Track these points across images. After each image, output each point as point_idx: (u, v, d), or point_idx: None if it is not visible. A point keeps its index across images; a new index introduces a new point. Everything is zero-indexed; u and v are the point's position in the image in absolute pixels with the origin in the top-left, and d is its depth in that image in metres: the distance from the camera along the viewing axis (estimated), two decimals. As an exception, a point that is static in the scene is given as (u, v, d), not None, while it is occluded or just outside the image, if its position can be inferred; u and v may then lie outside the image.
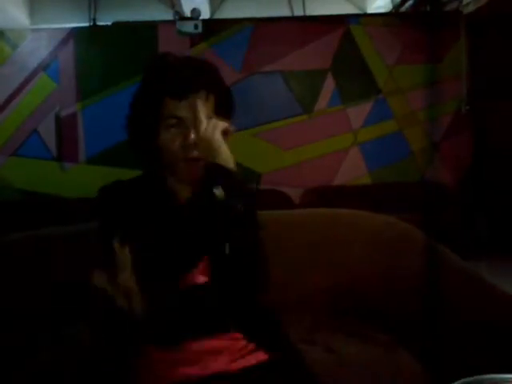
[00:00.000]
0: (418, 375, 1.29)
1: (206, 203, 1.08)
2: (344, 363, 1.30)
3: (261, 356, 1.15)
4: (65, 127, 4.71)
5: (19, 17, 4.92)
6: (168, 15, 4.88)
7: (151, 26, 4.78)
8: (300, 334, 1.32)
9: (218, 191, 1.07)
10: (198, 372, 1.12)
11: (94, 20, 4.86)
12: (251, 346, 1.17)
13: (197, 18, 4.58)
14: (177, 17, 4.71)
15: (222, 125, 1.12)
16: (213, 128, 1.10)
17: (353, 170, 4.81)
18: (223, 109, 1.19)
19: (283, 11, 5.20)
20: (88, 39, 4.75)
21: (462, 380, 0.81)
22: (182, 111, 1.14)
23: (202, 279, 1.14)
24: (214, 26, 4.80)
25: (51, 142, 4.70)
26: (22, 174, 4.67)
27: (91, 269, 1.00)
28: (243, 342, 1.16)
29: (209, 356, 1.13)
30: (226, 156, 1.11)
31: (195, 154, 1.14)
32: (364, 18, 5.02)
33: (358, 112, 4.81)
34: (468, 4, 4.63)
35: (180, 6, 4.76)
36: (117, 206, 1.16)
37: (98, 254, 1.12)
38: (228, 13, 5.26)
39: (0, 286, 1.48)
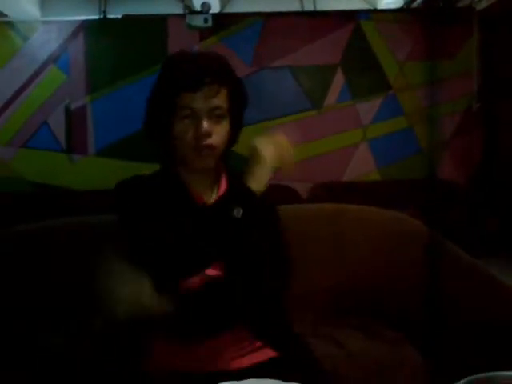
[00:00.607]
0: (425, 371, 1.28)
1: (222, 219, 1.12)
2: (352, 358, 1.30)
3: (269, 353, 1.16)
4: (74, 119, 4.72)
5: (30, 9, 4.91)
6: (178, 9, 4.86)
7: (161, 20, 4.77)
8: (308, 329, 1.32)
9: (237, 212, 1.11)
10: (202, 369, 1.12)
11: (105, 13, 4.85)
12: (258, 343, 1.17)
13: (207, 12, 4.57)
14: (187, 10, 4.70)
15: (278, 143, 1.19)
16: (266, 143, 1.17)
17: (362, 166, 4.79)
18: (236, 101, 1.23)
19: (293, 6, 5.16)
20: (98, 32, 4.76)
21: (475, 376, 0.80)
22: (196, 102, 1.17)
23: (213, 272, 1.15)
24: (223, 20, 4.78)
25: (61, 134, 4.72)
26: (32, 166, 4.69)
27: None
28: (248, 340, 1.17)
29: (212, 353, 1.14)
30: (261, 177, 1.15)
31: (207, 142, 1.17)
32: (375, 13, 4.98)
33: (368, 108, 4.78)
34: (481, 0, 4.59)
35: (190, -1, 4.74)
36: (134, 201, 1.19)
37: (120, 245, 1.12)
38: (238, 7, 5.23)
39: (6, 277, 1.49)
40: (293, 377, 1.08)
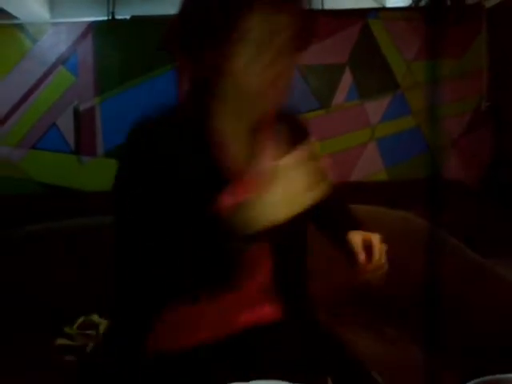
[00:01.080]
0: (429, 371, 1.28)
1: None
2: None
3: (275, 313, 1.00)
4: (83, 121, 4.74)
5: (39, 10, 4.95)
6: (186, 9, 4.87)
7: (169, 20, 4.77)
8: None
9: None
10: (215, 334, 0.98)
11: (113, 14, 4.88)
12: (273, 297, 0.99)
13: (214, 12, 4.57)
14: (194, 11, 4.70)
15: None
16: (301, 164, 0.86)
17: (370, 166, 4.77)
18: (308, 31, 0.90)
19: (301, 5, 5.16)
20: (106, 33, 4.77)
21: (482, 378, 0.80)
22: (271, 27, 0.85)
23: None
24: (231, 20, 4.78)
25: (70, 135, 4.74)
26: (42, 168, 4.72)
27: None
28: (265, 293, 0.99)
29: (225, 314, 0.97)
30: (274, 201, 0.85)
31: (282, 83, 0.88)
32: (383, 12, 4.96)
33: (376, 107, 4.76)
34: (489, -2, 4.56)
35: None
36: (150, 151, 0.95)
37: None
38: (246, 7, 5.24)
39: (8, 278, 1.50)
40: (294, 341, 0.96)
